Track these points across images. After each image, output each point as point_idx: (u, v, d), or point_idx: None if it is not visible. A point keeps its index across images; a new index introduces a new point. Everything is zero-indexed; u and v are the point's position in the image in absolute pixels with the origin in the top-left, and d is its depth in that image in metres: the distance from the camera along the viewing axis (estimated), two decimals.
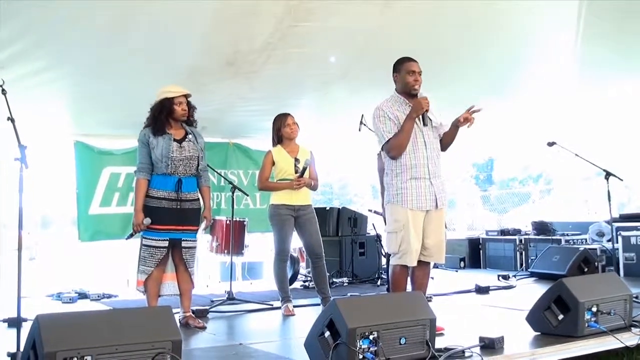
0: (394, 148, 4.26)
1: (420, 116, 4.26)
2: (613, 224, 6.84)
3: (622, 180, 6.60)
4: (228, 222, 6.81)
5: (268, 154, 5.67)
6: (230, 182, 6.54)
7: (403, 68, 4.35)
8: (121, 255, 7.87)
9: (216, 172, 7.12)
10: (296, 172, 5.57)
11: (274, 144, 5.70)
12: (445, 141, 4.46)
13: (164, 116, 4.85)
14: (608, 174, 6.45)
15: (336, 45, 6.04)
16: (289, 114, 5.67)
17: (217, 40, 5.70)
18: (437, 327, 3.64)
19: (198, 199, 5.00)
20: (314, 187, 5.71)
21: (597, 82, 7.38)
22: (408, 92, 4.34)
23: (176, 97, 4.87)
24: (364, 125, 6.76)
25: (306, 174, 5.58)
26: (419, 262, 4.32)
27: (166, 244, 4.83)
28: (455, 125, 4.33)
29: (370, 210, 7.88)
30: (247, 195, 7.53)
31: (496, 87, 7.19)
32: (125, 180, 7.74)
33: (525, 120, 8.75)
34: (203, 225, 5.11)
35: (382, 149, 4.37)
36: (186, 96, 4.94)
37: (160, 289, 4.97)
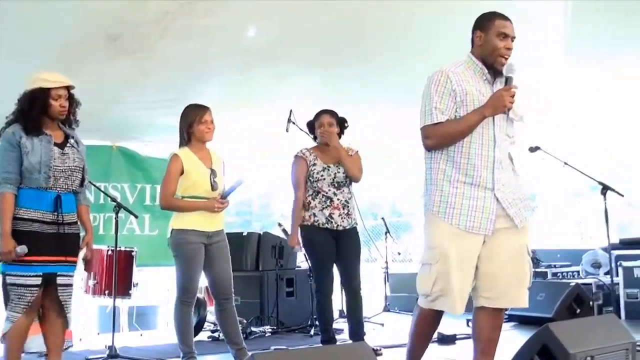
0: (437, 137, 4.04)
1: None
2: (612, 251, 7.05)
3: (622, 196, 6.82)
4: (110, 252, 6.70)
5: (175, 160, 5.54)
6: (113, 199, 6.44)
7: (493, 26, 4.07)
8: None
9: (94, 186, 7.00)
10: (213, 188, 5.55)
11: (182, 144, 5.66)
12: None
13: (37, 112, 4.74)
14: (605, 188, 6.65)
15: (257, 14, 6.03)
16: (207, 108, 5.63)
17: (96, 7, 5.62)
18: None
19: (77, 221, 4.92)
20: None
21: (590, 69, 7.54)
22: (491, 62, 4.08)
23: (54, 89, 4.77)
24: (293, 123, 6.77)
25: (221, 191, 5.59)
26: (484, 308, 4.06)
27: (39, 281, 4.68)
28: None
29: (280, 226, 7.85)
30: (136, 217, 7.42)
31: None
32: None
33: None
34: (82, 254, 5.01)
35: (420, 128, 4.12)
36: (68, 88, 4.85)
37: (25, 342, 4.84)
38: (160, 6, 5.72)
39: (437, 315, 4.10)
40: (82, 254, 5.00)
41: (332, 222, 6.14)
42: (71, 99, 4.88)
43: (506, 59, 4.05)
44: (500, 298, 4.02)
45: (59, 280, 4.77)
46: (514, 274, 4.03)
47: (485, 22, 4.11)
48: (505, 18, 4.09)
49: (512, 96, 3.95)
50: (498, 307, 4.06)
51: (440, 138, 4.03)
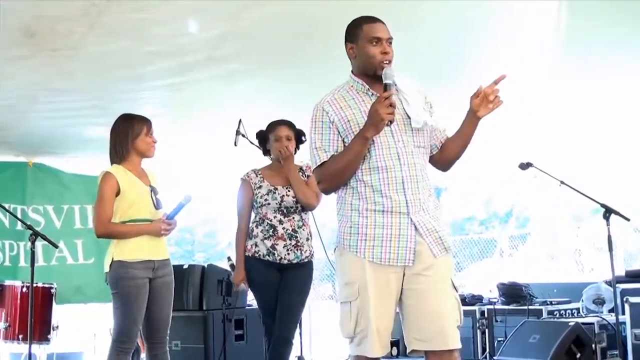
0: (327, 178, 4.08)
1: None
2: (617, 285, 7.08)
3: (629, 220, 6.86)
4: (25, 289, 6.61)
5: (108, 178, 5.50)
6: (29, 227, 6.36)
7: (362, 33, 4.07)
8: None
9: (7, 211, 6.93)
10: (157, 207, 5.57)
11: (115, 161, 5.60)
12: (452, 150, 4.26)
13: None
14: (609, 212, 6.68)
15: (199, 6, 6.01)
16: (149, 121, 5.66)
17: None
18: None
19: None
20: None
21: (590, 75, 7.62)
22: (371, 73, 4.07)
23: None
24: (243, 136, 6.75)
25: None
26: (430, 352, 3.99)
27: None
28: (474, 114, 4.17)
29: (229, 260, 7.79)
30: (55, 247, 7.34)
31: (444, 75, 7.32)
32: None
33: (488, 131, 8.96)
34: None
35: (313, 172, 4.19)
36: None
37: None
38: None
39: None
40: None
41: (274, 255, 6.08)
42: None
43: (385, 64, 4.02)
44: (433, 339, 3.96)
45: None
46: (438, 311, 3.97)
47: (353, 31, 4.13)
48: (374, 20, 4.10)
49: (389, 105, 3.86)
50: (437, 350, 3.95)
51: (331, 178, 4.07)
